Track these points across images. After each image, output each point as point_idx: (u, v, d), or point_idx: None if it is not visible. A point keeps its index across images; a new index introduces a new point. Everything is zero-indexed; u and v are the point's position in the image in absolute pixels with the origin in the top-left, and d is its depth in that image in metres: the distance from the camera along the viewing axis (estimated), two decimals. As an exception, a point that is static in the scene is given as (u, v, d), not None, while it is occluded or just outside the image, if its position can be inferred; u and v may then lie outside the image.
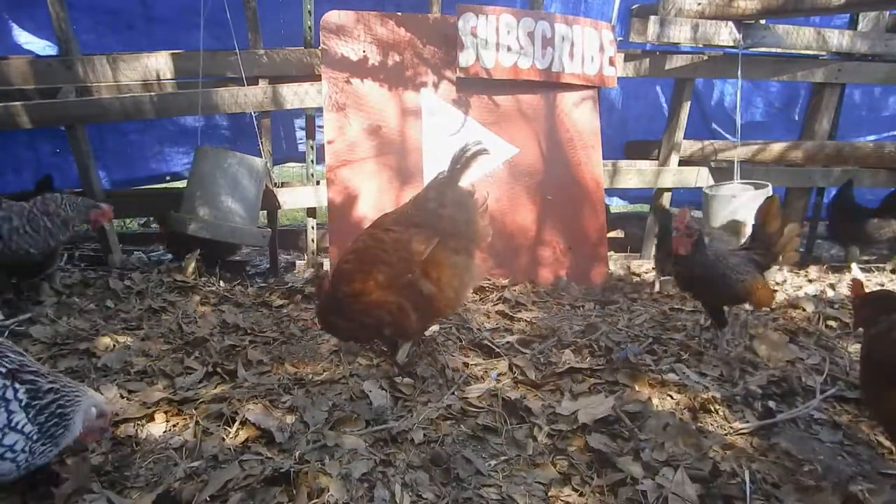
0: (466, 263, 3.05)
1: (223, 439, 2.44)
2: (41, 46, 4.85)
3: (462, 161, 3.02)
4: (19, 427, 1.82)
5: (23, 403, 1.82)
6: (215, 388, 2.84)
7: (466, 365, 3.19)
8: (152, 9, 4.94)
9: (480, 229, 3.12)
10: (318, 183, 5.02)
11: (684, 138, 5.69)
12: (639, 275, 5.35)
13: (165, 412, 2.63)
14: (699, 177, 5.66)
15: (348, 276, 2.96)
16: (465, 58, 4.70)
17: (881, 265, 5.64)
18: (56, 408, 1.89)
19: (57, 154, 5.25)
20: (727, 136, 6.13)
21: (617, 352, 3.39)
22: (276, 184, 4.99)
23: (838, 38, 5.45)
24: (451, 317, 3.86)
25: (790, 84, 6.35)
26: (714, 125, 6.35)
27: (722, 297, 3.37)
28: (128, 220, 6.27)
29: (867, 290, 2.47)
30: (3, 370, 1.84)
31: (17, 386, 1.83)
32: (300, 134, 5.65)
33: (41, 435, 1.85)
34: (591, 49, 4.95)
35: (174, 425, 2.54)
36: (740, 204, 4.95)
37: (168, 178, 5.69)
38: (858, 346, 3.60)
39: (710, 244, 3.43)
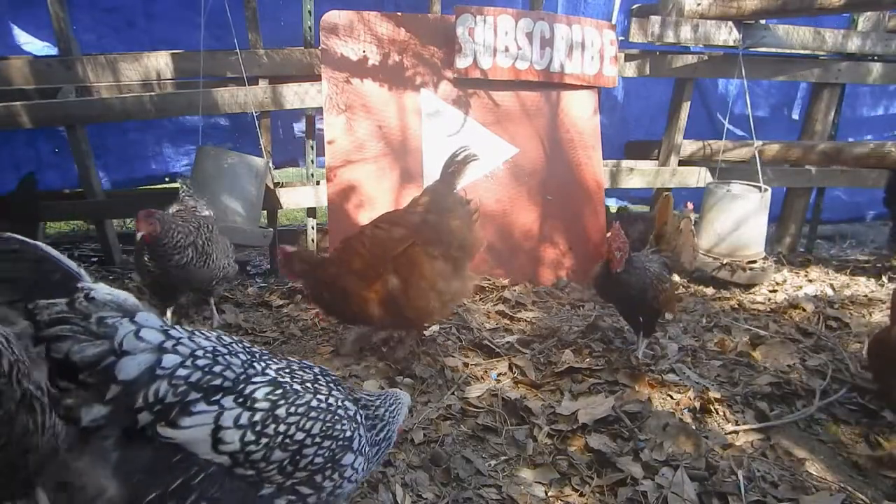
0: (445, 271, 3.03)
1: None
2: (40, 47, 4.84)
3: (453, 166, 3.07)
4: (364, 450, 1.71)
5: (364, 428, 1.74)
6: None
7: (466, 365, 3.20)
8: (152, 5, 4.94)
9: (471, 239, 3.11)
10: (318, 183, 5.02)
11: (686, 138, 5.69)
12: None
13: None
14: (700, 177, 5.65)
15: (331, 260, 3.15)
16: (463, 59, 4.70)
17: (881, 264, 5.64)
18: (385, 430, 1.81)
19: (57, 153, 5.23)
20: (736, 131, 6.08)
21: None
22: (276, 184, 4.99)
23: (838, 38, 5.45)
24: (451, 317, 3.87)
25: (790, 84, 6.35)
26: (716, 125, 6.35)
27: (643, 309, 3.25)
28: (128, 220, 6.26)
29: None
30: (354, 396, 1.75)
31: (361, 411, 1.75)
32: (299, 132, 5.63)
33: (374, 455, 1.78)
34: (591, 49, 4.95)
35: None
36: (753, 206, 4.93)
37: (167, 178, 5.69)
38: (858, 345, 3.62)
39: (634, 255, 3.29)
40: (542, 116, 4.97)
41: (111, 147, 5.29)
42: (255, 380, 1.51)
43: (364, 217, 4.54)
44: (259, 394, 1.48)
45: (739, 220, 4.91)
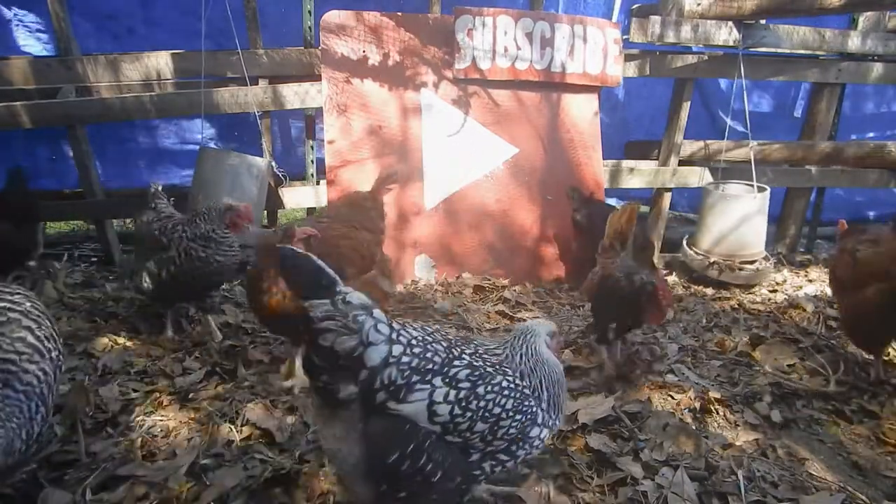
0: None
1: (229, 442, 2.44)
2: (38, 49, 4.83)
3: (386, 181, 3.62)
4: (545, 420, 1.93)
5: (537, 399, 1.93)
6: (215, 387, 2.85)
7: (466, 365, 3.19)
8: (152, 12, 4.93)
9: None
10: (318, 183, 5.02)
11: (687, 138, 5.68)
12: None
13: (165, 409, 2.64)
14: (701, 177, 5.65)
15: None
16: (461, 61, 4.70)
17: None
18: (541, 375, 1.95)
19: (54, 160, 5.20)
20: (737, 127, 6.07)
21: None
22: (278, 183, 4.97)
23: (838, 38, 5.45)
24: (451, 316, 3.88)
25: (792, 83, 6.34)
26: (717, 122, 6.34)
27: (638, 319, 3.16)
28: (128, 221, 6.26)
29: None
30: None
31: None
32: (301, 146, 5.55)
33: (553, 404, 1.96)
34: (593, 48, 4.94)
35: (174, 426, 2.54)
36: (750, 207, 4.94)
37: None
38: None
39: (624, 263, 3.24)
40: (543, 116, 4.97)
41: (109, 157, 5.24)
42: (455, 363, 1.78)
43: (364, 217, 4.56)
44: (461, 375, 1.76)
45: (736, 220, 4.93)
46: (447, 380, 1.73)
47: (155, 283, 3.28)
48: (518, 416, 1.82)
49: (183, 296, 3.45)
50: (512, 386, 1.84)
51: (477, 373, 1.79)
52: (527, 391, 1.88)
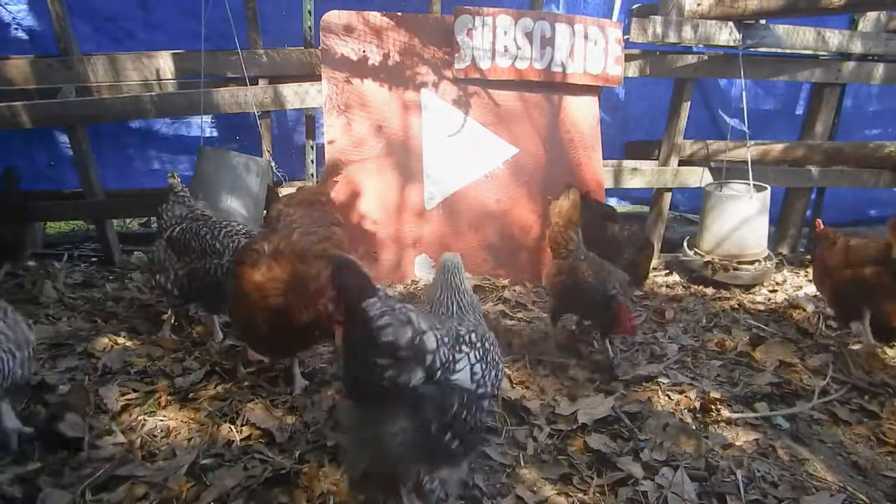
0: None
1: (229, 442, 2.44)
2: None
3: (334, 171, 3.62)
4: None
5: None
6: (215, 387, 2.85)
7: (466, 365, 3.19)
8: (152, 15, 4.91)
9: None
10: (317, 182, 5.01)
11: (687, 138, 5.68)
12: (639, 275, 5.34)
13: (165, 409, 2.64)
14: (702, 177, 5.64)
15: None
16: (462, 60, 4.70)
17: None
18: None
19: (52, 166, 5.18)
20: (741, 127, 6.07)
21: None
22: (277, 183, 4.98)
23: (838, 39, 5.44)
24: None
25: (794, 82, 6.33)
26: (717, 120, 6.34)
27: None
28: (128, 220, 6.26)
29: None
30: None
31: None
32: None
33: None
34: (594, 48, 4.93)
35: (174, 426, 2.54)
36: (755, 207, 4.94)
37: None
38: (858, 345, 3.62)
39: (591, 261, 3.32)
40: (543, 116, 4.96)
41: (108, 157, 5.22)
42: (460, 330, 1.95)
43: (365, 216, 4.56)
44: (472, 338, 1.96)
45: (735, 221, 4.93)
46: (468, 344, 1.92)
47: (196, 286, 3.21)
48: (499, 359, 2.09)
49: (206, 298, 3.35)
50: (489, 333, 2.10)
51: (479, 331, 2.02)
52: (489, 334, 2.10)
